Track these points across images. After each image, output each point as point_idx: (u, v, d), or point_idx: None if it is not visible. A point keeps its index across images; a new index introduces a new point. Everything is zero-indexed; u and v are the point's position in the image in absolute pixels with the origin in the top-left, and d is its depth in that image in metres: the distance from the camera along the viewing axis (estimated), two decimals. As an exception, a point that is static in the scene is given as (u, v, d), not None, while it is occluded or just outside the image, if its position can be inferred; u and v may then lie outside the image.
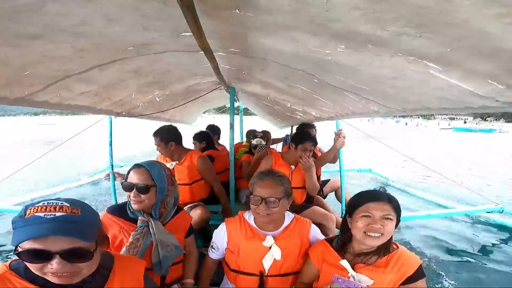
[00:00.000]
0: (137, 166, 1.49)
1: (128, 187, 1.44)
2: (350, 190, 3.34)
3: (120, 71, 1.67)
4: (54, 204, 0.80)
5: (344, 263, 1.26)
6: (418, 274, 1.23)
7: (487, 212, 4.43)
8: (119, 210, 1.51)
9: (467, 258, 3.64)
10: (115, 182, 3.09)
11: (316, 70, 1.44)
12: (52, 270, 0.77)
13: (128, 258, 1.14)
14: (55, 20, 0.92)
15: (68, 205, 0.82)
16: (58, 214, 0.78)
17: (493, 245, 4.01)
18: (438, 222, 4.65)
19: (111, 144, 3.13)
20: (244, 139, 4.94)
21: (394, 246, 1.29)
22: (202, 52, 1.28)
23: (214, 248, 1.59)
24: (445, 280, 3.08)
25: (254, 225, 1.52)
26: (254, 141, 3.29)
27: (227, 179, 3.04)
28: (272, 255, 1.45)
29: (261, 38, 1.11)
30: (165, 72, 1.90)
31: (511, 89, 0.85)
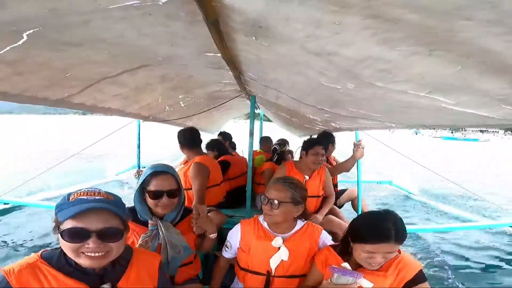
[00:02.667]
0: (162, 172, 1.48)
1: (156, 194, 1.44)
2: (368, 202, 3.30)
3: (148, 76, 1.80)
4: (94, 190, 0.96)
5: (345, 265, 1.28)
6: (419, 278, 1.24)
7: (510, 227, 4.26)
8: (131, 213, 1.51)
9: (488, 271, 3.53)
10: None
11: (327, 103, 1.47)
12: (88, 249, 0.88)
13: (144, 251, 1.22)
14: (97, 32, 1.03)
15: (104, 192, 0.98)
16: (97, 197, 0.94)
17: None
18: (459, 235, 4.51)
19: (139, 147, 3.32)
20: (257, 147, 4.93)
21: (396, 252, 1.28)
22: (224, 65, 1.35)
23: (227, 247, 1.66)
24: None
25: (267, 227, 1.58)
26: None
27: (243, 183, 3.07)
28: (279, 256, 1.50)
29: (274, 69, 1.16)
30: (189, 78, 2.02)
31: None
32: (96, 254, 0.90)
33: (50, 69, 1.35)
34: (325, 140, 2.65)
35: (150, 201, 1.47)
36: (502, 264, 3.62)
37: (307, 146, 2.48)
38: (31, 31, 0.94)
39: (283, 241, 1.52)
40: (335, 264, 1.33)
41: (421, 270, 1.26)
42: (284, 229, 1.57)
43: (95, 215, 0.91)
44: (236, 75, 1.50)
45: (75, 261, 0.93)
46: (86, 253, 0.89)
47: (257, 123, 6.17)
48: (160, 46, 1.25)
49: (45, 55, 1.19)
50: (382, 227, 1.16)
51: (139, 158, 3.36)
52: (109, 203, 0.94)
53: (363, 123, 1.75)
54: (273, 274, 1.52)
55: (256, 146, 5.73)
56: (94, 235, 0.89)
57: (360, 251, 1.21)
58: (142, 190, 1.48)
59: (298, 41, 0.78)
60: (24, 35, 0.97)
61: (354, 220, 1.32)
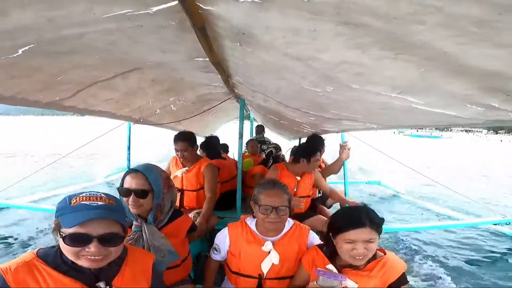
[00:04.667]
0: (133, 170, 1.48)
1: (125, 192, 1.42)
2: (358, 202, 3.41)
3: (140, 79, 1.84)
4: (95, 195, 0.97)
5: (330, 267, 1.32)
6: (401, 281, 1.27)
7: (494, 224, 4.43)
8: None
9: (473, 269, 3.66)
10: None
11: (311, 107, 1.54)
12: (88, 253, 0.90)
13: (139, 250, 1.24)
14: (90, 42, 1.08)
15: (105, 196, 0.99)
16: (100, 203, 0.95)
17: (500, 257, 3.99)
18: (445, 234, 4.68)
19: (129, 148, 3.33)
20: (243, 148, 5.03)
21: (381, 253, 1.33)
22: (213, 69, 1.41)
23: (216, 250, 1.65)
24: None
25: (256, 231, 1.58)
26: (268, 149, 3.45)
27: (233, 188, 3.12)
28: (270, 260, 1.52)
29: (260, 73, 1.22)
30: (179, 80, 2.06)
31: (490, 109, 0.93)
32: (96, 258, 0.92)
33: (42, 73, 1.37)
34: (320, 144, 2.73)
35: (130, 204, 1.44)
36: (485, 260, 3.77)
37: (309, 153, 2.51)
38: (27, 47, 0.98)
39: (272, 244, 1.52)
40: (321, 265, 1.36)
41: (404, 273, 1.28)
42: (275, 232, 1.57)
43: (98, 222, 0.92)
44: (224, 78, 1.55)
45: (71, 260, 0.94)
46: (86, 256, 0.91)
47: (247, 125, 6.25)
48: (151, 52, 1.30)
49: (38, 61, 1.23)
50: (355, 214, 1.26)
51: (129, 160, 3.38)
52: (110, 209, 0.96)
53: (347, 125, 1.83)
54: (264, 277, 1.54)
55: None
56: (95, 240, 0.91)
57: (342, 243, 1.25)
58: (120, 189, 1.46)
59: (279, 48, 0.84)
60: (20, 51, 1.01)
61: (331, 216, 1.37)
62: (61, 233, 0.91)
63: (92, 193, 0.99)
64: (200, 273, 1.85)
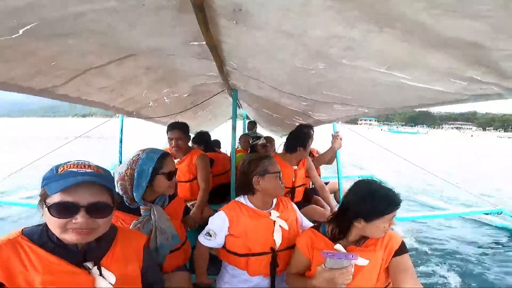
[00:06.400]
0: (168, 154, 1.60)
1: (173, 174, 1.54)
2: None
3: (134, 67, 1.85)
4: (83, 163, 0.94)
5: (339, 247, 1.30)
6: (403, 248, 1.32)
7: (486, 214, 4.55)
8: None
9: (464, 258, 3.78)
10: None
11: (304, 90, 1.59)
12: (75, 225, 0.86)
13: (130, 230, 1.22)
14: (86, 24, 1.09)
15: (94, 165, 0.96)
16: (88, 170, 0.92)
17: (490, 246, 4.12)
18: (437, 224, 4.81)
19: (121, 142, 3.33)
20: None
21: None
22: (209, 55, 1.43)
23: (210, 236, 1.59)
24: (443, 278, 3.17)
25: (253, 206, 1.60)
26: (260, 141, 3.50)
27: (226, 181, 3.16)
28: (279, 227, 1.56)
29: (254, 56, 1.25)
30: (173, 70, 2.08)
31: (473, 83, 0.98)
32: (84, 230, 0.88)
33: (37, 57, 1.37)
34: (310, 129, 2.79)
35: (164, 184, 1.51)
36: (478, 254, 3.88)
37: (303, 140, 2.60)
38: (28, 27, 0.98)
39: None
40: (324, 247, 1.33)
41: (403, 241, 1.34)
42: (270, 204, 1.65)
43: (86, 189, 0.88)
44: (219, 65, 1.58)
45: (57, 237, 0.91)
46: (73, 229, 0.87)
47: (239, 125, 6.30)
48: (148, 37, 1.31)
49: (34, 44, 1.22)
50: (392, 194, 1.26)
51: (121, 154, 3.38)
52: (100, 176, 0.92)
53: (338, 110, 1.89)
54: (277, 249, 1.55)
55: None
56: (83, 210, 0.87)
57: (381, 225, 1.25)
58: (152, 173, 1.48)
59: (272, 24, 0.88)
60: (21, 31, 1.01)
61: (360, 205, 1.28)
62: (46, 204, 0.87)
63: (80, 161, 0.95)
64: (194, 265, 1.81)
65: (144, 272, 1.13)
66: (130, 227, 1.44)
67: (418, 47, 0.81)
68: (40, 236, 0.92)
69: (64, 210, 0.86)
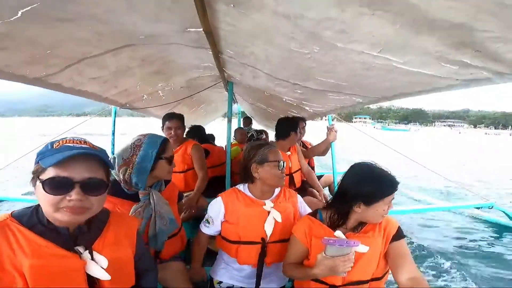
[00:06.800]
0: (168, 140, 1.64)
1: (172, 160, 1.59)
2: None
3: (130, 58, 1.85)
4: (79, 139, 0.92)
5: (339, 233, 1.25)
6: (401, 233, 1.31)
7: (477, 208, 4.55)
8: (111, 189, 1.51)
9: (454, 253, 3.83)
10: None
11: (299, 76, 1.59)
12: (69, 203, 0.83)
13: (122, 214, 1.18)
14: (87, 7, 1.09)
15: (89, 142, 0.94)
16: (84, 145, 0.90)
17: (481, 240, 4.18)
18: (427, 217, 4.87)
19: (113, 134, 3.33)
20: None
21: None
22: (205, 43, 1.43)
23: (209, 222, 1.60)
24: (433, 272, 3.21)
25: (251, 195, 1.59)
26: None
27: (221, 174, 3.18)
28: (273, 218, 1.51)
29: (251, 41, 1.26)
30: (168, 62, 2.09)
31: (463, 67, 1.02)
32: (77, 207, 0.84)
33: (33, 45, 1.36)
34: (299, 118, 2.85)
35: (165, 169, 1.54)
36: (469, 249, 3.96)
37: (294, 125, 2.61)
38: (29, 8, 0.98)
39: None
40: (322, 233, 1.29)
41: (399, 227, 1.32)
42: (269, 194, 1.60)
43: (81, 163, 0.85)
44: (215, 54, 1.60)
45: (48, 220, 0.88)
46: (66, 207, 0.84)
47: (234, 122, 6.33)
48: (146, 22, 1.32)
49: (32, 30, 1.22)
50: (390, 176, 1.25)
51: (113, 145, 3.38)
52: (95, 152, 0.89)
53: (332, 100, 1.92)
54: (268, 240, 1.51)
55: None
56: (77, 186, 0.84)
57: (382, 207, 1.23)
58: (155, 158, 1.49)
59: (269, 6, 0.90)
60: (19, 12, 1.01)
61: (359, 187, 1.26)
62: (40, 179, 0.84)
63: (76, 137, 0.93)
64: (190, 256, 1.80)
65: (137, 259, 1.10)
66: (130, 213, 1.43)
67: (409, 30, 0.84)
68: (29, 219, 0.89)
69: (58, 185, 0.83)
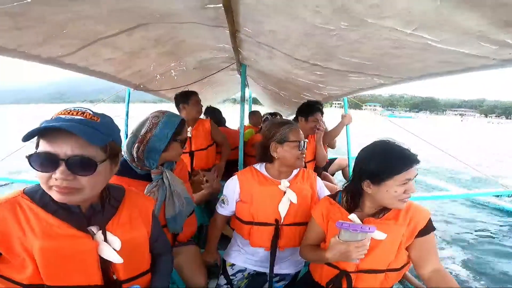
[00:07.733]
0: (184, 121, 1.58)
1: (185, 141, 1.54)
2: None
3: (143, 38, 1.80)
4: (78, 109, 0.82)
5: (353, 217, 1.17)
6: (430, 227, 1.15)
7: (496, 196, 4.47)
8: (122, 169, 1.31)
9: (471, 240, 3.77)
10: None
11: (320, 56, 1.50)
12: (55, 181, 0.75)
13: (138, 193, 1.09)
14: None
15: (90, 112, 0.82)
16: (77, 117, 0.79)
17: (499, 228, 4.08)
18: (446, 205, 4.79)
19: (127, 114, 3.36)
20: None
21: None
22: (223, 21, 1.36)
23: (224, 203, 1.56)
24: (450, 260, 3.20)
25: (267, 174, 1.53)
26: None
27: (234, 158, 3.17)
28: (288, 199, 1.45)
29: (272, 16, 1.17)
30: (181, 42, 2.03)
31: (503, 47, 0.94)
32: (63, 187, 0.76)
33: (47, 25, 1.33)
34: (319, 105, 2.74)
35: (177, 151, 1.47)
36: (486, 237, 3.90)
37: (307, 112, 2.44)
38: None
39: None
40: (339, 217, 1.21)
41: (430, 219, 1.17)
42: (287, 174, 1.54)
43: (68, 138, 0.75)
44: (232, 32, 1.53)
45: None
46: (55, 186, 0.76)
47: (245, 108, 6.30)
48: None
49: (45, 9, 1.18)
50: (405, 150, 1.10)
51: (126, 126, 3.43)
52: (87, 124, 0.78)
53: (352, 81, 1.84)
54: (281, 222, 1.45)
55: (246, 121, 5.89)
56: (62, 164, 0.74)
57: (394, 187, 1.08)
58: (170, 138, 1.42)
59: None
60: None
61: (367, 163, 1.15)
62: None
63: (78, 107, 0.83)
64: (203, 243, 1.78)
65: (153, 241, 1.06)
66: (145, 192, 1.36)
67: (451, 6, 0.77)
68: (42, 196, 0.82)
69: (43, 161, 0.74)
